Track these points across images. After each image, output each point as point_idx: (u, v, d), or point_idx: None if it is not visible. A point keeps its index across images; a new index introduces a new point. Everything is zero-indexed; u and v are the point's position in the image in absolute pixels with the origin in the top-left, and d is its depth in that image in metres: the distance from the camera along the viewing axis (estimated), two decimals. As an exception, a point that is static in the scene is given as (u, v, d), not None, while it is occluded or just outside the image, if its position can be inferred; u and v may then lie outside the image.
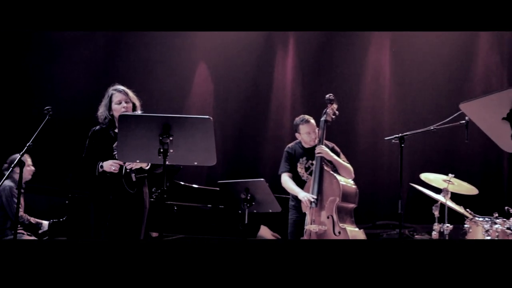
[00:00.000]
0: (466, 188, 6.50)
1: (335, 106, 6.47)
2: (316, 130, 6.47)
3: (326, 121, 6.42)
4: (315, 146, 6.38)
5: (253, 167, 9.27)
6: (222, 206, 7.08)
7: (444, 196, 6.35)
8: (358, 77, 9.38)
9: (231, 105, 9.70)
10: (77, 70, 9.44)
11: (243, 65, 9.72)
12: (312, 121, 6.51)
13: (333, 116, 6.46)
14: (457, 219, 6.51)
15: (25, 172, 6.85)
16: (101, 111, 5.41)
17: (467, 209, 6.40)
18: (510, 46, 8.69)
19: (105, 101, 5.40)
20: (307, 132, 6.48)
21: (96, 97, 5.58)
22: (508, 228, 6.03)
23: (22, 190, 6.41)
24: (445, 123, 5.95)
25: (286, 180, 6.44)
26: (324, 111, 6.44)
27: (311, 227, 6.18)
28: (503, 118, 3.48)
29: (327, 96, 6.50)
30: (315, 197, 6.18)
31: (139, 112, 5.33)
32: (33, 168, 7.35)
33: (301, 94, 9.57)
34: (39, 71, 9.39)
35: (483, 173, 8.52)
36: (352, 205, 6.35)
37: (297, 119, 6.59)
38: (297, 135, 6.58)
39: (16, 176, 6.56)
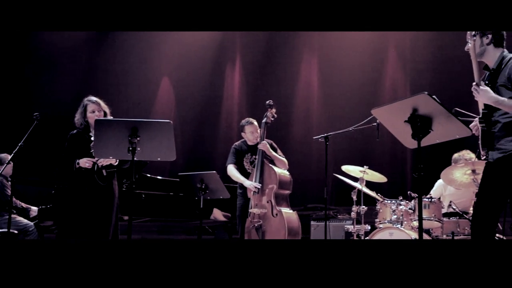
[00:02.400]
0: (377, 177, 6.58)
1: (273, 110, 6.47)
2: (258, 130, 6.46)
3: (266, 122, 6.41)
4: (258, 143, 6.38)
5: (207, 161, 9.21)
6: (182, 194, 7.01)
7: (360, 184, 6.42)
8: (292, 87, 9.41)
9: (189, 112, 9.63)
10: (63, 79, 9.26)
11: (199, 79, 9.67)
12: (255, 122, 6.51)
13: (272, 119, 6.46)
14: (371, 202, 6.59)
15: (8, 168, 6.70)
16: (78, 118, 5.36)
17: (378, 194, 6.48)
18: (411, 63, 8.84)
19: (80, 110, 5.35)
20: (251, 131, 6.47)
21: (79, 102, 5.48)
22: (410, 209, 6.13)
23: (10, 182, 6.33)
24: (360, 125, 6.01)
25: (232, 169, 6.42)
26: (265, 114, 6.44)
27: (254, 210, 6.17)
28: (405, 121, 3.53)
29: (267, 102, 6.49)
30: (260, 185, 6.19)
31: (110, 117, 5.28)
32: (11, 163, 7.18)
33: (246, 102, 9.55)
34: (30, 79, 9.19)
35: (391, 165, 8.65)
36: (287, 192, 6.36)
37: (243, 121, 6.59)
38: (242, 134, 6.56)
39: (4, 172, 6.55)
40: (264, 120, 6.42)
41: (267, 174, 6.26)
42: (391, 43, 8.92)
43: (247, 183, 6.25)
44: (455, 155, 6.66)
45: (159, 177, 7.32)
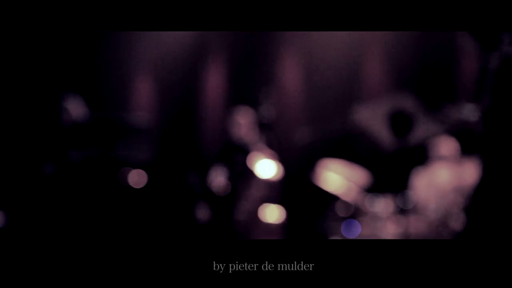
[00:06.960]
0: (359, 176, 6.63)
1: (258, 111, 6.50)
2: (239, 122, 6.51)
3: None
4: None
5: (189, 160, 9.21)
6: (161, 199, 6.91)
7: (342, 184, 6.44)
8: (272, 85, 9.40)
9: (169, 110, 9.62)
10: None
11: (177, 78, 9.66)
12: (236, 114, 6.57)
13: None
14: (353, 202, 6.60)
15: None
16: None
17: (361, 193, 6.50)
18: (392, 61, 8.85)
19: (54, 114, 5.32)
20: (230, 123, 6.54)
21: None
22: (393, 209, 6.16)
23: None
24: (342, 123, 6.03)
25: None
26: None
27: (238, 211, 6.20)
28: (386, 120, 3.55)
29: (250, 104, 6.52)
30: None
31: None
32: None
33: (226, 100, 9.53)
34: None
35: (374, 164, 8.62)
36: (271, 192, 6.38)
37: (224, 113, 6.69)
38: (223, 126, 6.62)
39: None
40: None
41: (251, 174, 6.28)
42: (373, 40, 8.96)
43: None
44: (434, 150, 6.63)
45: (136, 187, 7.24)
